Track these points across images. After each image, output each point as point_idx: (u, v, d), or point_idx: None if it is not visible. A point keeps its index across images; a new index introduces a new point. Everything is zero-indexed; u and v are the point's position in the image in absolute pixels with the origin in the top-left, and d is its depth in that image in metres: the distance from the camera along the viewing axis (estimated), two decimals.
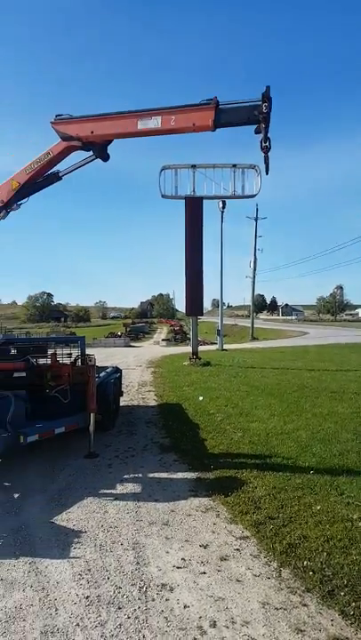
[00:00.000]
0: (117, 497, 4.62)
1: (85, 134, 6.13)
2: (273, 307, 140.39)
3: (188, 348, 21.23)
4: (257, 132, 5.75)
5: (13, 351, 6.20)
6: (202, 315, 19.19)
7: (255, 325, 43.48)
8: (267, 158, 5.76)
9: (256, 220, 38.98)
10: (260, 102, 5.56)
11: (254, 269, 39.68)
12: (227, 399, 9.84)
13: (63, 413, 5.85)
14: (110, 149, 6.69)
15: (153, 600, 2.94)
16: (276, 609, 2.85)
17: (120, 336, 47.60)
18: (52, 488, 4.84)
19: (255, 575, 3.23)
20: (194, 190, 18.05)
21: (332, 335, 39.82)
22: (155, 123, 5.94)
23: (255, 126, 5.72)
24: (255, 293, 45.48)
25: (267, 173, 6.07)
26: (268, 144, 5.65)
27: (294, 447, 6.15)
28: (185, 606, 2.87)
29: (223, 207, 24.33)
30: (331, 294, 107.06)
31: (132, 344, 41.33)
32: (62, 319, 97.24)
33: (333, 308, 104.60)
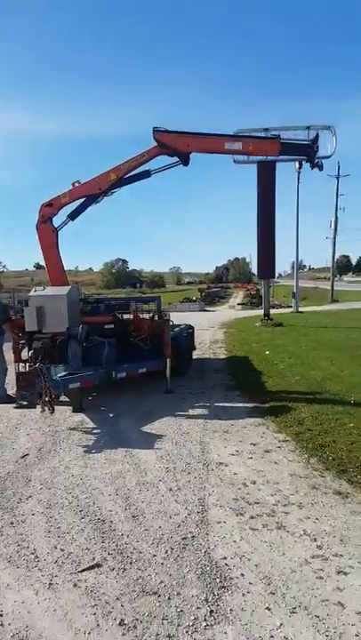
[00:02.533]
0: (189, 416, 5.89)
1: (182, 147, 7.81)
2: (359, 268, 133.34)
3: (262, 312, 21.97)
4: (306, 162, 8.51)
5: (103, 308, 7.62)
6: (273, 277, 19.78)
7: (337, 288, 42.61)
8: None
9: (338, 177, 37.72)
10: (311, 143, 8.35)
11: (335, 229, 38.68)
12: (291, 353, 10.72)
13: (144, 358, 7.18)
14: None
15: (212, 470, 4.16)
16: (300, 477, 3.95)
17: (195, 301, 48.71)
18: (138, 411, 6.21)
19: (289, 460, 4.34)
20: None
21: None
22: (238, 146, 8.07)
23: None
24: (340, 254, 44.28)
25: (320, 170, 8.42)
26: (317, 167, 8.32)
27: (344, 387, 7.00)
28: (234, 473, 4.07)
29: (300, 167, 24.14)
30: None
31: (207, 308, 42.35)
32: (137, 285, 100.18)
33: None
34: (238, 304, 48.89)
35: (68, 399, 6.43)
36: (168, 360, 7.20)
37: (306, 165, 8.80)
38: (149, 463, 4.39)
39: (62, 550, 2.97)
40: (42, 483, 4.01)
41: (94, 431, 5.46)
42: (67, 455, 4.67)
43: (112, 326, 7.03)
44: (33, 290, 6.78)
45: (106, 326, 7.01)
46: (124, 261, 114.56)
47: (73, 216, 7.72)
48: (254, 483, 3.88)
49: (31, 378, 5.30)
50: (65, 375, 5.94)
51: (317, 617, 2.31)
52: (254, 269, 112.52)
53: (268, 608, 2.39)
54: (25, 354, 7.13)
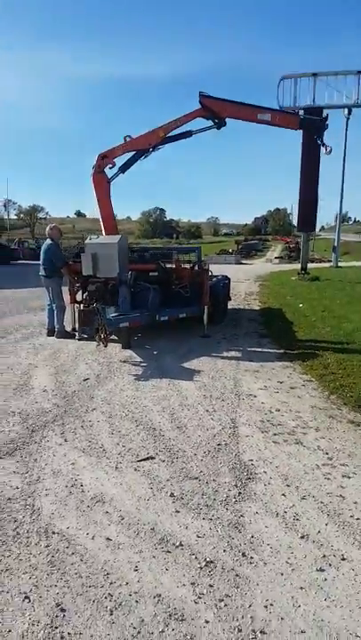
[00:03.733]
0: (224, 357, 6.59)
1: (222, 112, 9.29)
2: None
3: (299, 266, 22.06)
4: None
5: (148, 257, 8.25)
6: (314, 230, 19.70)
7: None
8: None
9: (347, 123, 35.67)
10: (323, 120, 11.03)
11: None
12: (325, 306, 11.13)
13: (185, 305, 7.84)
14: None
15: (243, 399, 4.88)
16: (320, 409, 4.61)
17: (231, 253, 48.38)
18: (179, 351, 6.94)
19: (311, 396, 4.99)
20: (314, 100, 17.84)
21: None
22: (267, 117, 9.79)
23: None
24: None
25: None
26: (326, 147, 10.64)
27: None
28: (262, 402, 4.77)
29: (349, 114, 23.20)
30: None
31: (244, 261, 42.19)
32: (174, 235, 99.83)
33: None
34: (276, 257, 48.43)
35: (117, 337, 7.25)
36: (206, 307, 7.84)
37: (355, 111, 12.74)
38: (189, 391, 5.14)
39: (124, 447, 3.78)
40: (102, 400, 4.84)
41: (142, 364, 6.25)
42: (120, 381, 5.48)
43: (156, 274, 7.67)
44: (88, 238, 7.44)
45: (151, 274, 7.66)
46: (162, 210, 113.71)
47: (124, 169, 8.24)
48: (278, 410, 4.57)
49: (90, 316, 6.09)
50: (116, 315, 6.70)
51: (322, 502, 3.02)
52: (295, 221, 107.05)
53: (283, 494, 3.11)
54: (79, 296, 7.95)
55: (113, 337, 7.13)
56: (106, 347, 6.34)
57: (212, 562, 2.45)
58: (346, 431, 4.11)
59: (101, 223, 8.00)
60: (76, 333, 7.10)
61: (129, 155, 8.45)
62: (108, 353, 6.73)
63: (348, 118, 23.84)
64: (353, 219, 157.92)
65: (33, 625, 2.04)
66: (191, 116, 9.11)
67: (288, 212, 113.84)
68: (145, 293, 7.34)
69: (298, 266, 25.91)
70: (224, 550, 2.54)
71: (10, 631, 2.01)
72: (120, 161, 8.26)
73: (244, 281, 18.80)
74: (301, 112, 15.87)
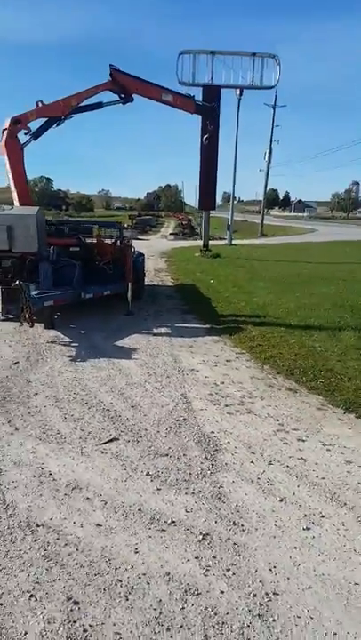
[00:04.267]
0: (155, 334, 6.61)
1: (132, 89, 9.86)
2: (286, 203, 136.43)
3: (197, 243, 22.70)
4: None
5: (67, 231, 7.84)
6: (214, 209, 20.21)
7: (265, 222, 44.00)
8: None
9: (274, 107, 37.56)
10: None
11: (268, 162, 39.20)
12: (233, 282, 11.63)
13: (108, 282, 7.64)
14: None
15: (186, 374, 4.98)
16: (258, 379, 4.89)
17: (126, 228, 47.86)
18: (107, 329, 6.79)
19: (247, 367, 5.27)
20: (212, 78, 18.03)
21: (340, 233, 40.62)
22: (170, 98, 11.26)
23: None
24: (268, 188, 45.33)
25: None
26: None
27: (283, 312, 8.03)
28: (205, 376, 4.92)
29: (240, 95, 23.85)
30: (346, 190, 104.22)
31: (140, 237, 42.06)
32: (64, 207, 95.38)
33: (347, 205, 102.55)
34: (171, 234, 48.86)
35: (36, 317, 6.83)
36: (130, 284, 7.73)
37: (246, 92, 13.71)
38: (132, 370, 5.09)
39: (82, 430, 3.65)
40: (42, 383, 4.59)
41: (72, 344, 6.01)
42: (55, 363, 5.22)
43: (77, 249, 7.35)
44: (1, 208, 6.81)
45: (71, 249, 7.32)
46: (49, 180, 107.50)
47: (36, 135, 7.64)
48: (223, 383, 4.76)
49: (14, 294, 5.65)
50: (39, 293, 6.30)
51: (288, 466, 3.25)
52: (187, 199, 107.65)
53: (251, 462, 3.28)
54: None
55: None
56: (32, 326, 5.96)
57: (208, 534, 2.52)
58: (287, 397, 4.44)
59: (14, 193, 7.35)
60: None
61: (40, 121, 7.86)
62: (30, 333, 6.35)
63: (239, 99, 24.58)
64: (238, 198, 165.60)
65: (49, 623, 1.94)
66: (101, 88, 9.23)
67: (179, 188, 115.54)
68: (68, 270, 7.01)
69: (194, 243, 26.54)
70: (215, 522, 2.63)
71: (26, 633, 1.89)
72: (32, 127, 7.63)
73: (149, 257, 18.75)
74: (198, 97, 16.35)
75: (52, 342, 6.07)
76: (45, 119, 7.80)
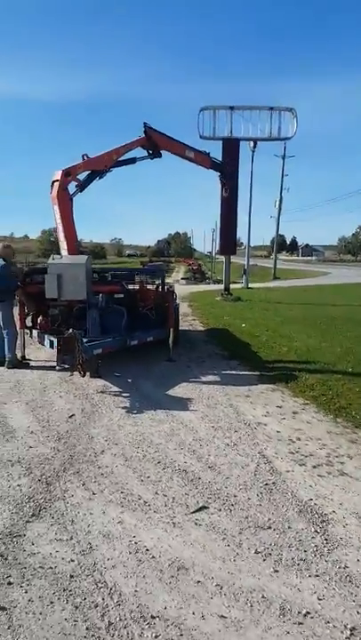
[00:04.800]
0: (205, 383, 6.29)
1: (162, 145, 10.37)
2: (293, 247, 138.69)
3: (209, 287, 22.65)
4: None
5: (110, 278, 7.71)
6: (235, 254, 20.32)
7: (279, 266, 44.37)
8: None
9: (283, 158, 38.80)
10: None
11: (279, 209, 40.04)
12: (265, 326, 11.38)
13: (150, 328, 7.42)
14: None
15: (255, 429, 4.63)
16: (336, 434, 4.53)
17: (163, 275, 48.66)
18: (152, 377, 6.49)
19: (318, 420, 4.91)
20: (231, 132, 18.63)
21: (354, 275, 40.64)
22: (192, 155, 11.85)
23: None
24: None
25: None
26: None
27: (332, 357, 7.71)
28: (277, 431, 4.56)
29: (254, 147, 24.58)
30: (353, 234, 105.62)
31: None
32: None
33: (355, 248, 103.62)
34: (182, 278, 49.52)
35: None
36: (171, 330, 7.50)
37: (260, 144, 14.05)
38: (194, 423, 4.76)
39: (165, 496, 3.29)
40: (105, 439, 4.26)
41: (123, 394, 5.70)
42: (112, 415, 4.91)
43: (121, 296, 7.18)
44: (51, 258, 6.72)
45: (116, 296, 7.16)
46: None
47: (82, 187, 7.72)
48: (299, 439, 4.39)
49: (70, 343, 5.42)
50: (88, 341, 6.08)
51: None
52: (196, 245, 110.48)
53: None
54: (29, 321, 7.19)
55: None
56: (83, 376, 5.71)
57: (355, 628, 2.13)
58: None
59: (63, 243, 7.32)
60: (56, 364, 6.09)
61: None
62: (77, 383, 6.08)
63: (253, 151, 25.30)
64: (243, 244, 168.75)
65: None
66: (136, 144, 9.77)
67: (188, 235, 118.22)
68: (114, 317, 6.82)
69: (207, 287, 26.53)
70: (358, 612, 2.24)
71: None
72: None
73: None
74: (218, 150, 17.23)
75: (101, 392, 5.77)
76: (89, 172, 7.94)
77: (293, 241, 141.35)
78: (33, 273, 7.91)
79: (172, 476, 3.60)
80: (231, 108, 19.00)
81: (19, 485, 3.36)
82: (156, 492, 3.33)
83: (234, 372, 6.93)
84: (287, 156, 39.59)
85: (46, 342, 6.91)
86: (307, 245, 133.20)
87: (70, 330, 5.70)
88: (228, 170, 18.89)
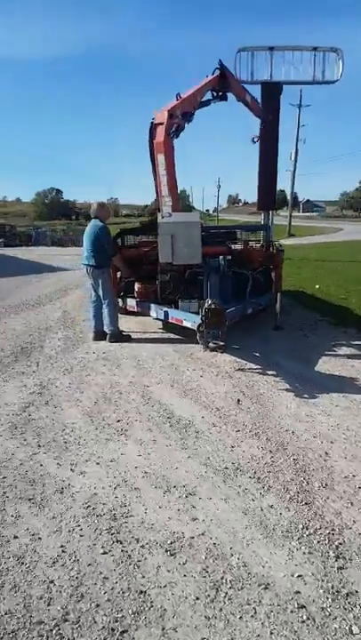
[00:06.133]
0: (343, 355, 5.56)
1: (234, 87, 8.15)
2: (294, 203, 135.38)
3: None
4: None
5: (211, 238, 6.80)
6: (274, 209, 19.21)
7: (280, 222, 43.02)
8: None
9: (300, 107, 36.72)
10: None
11: (295, 161, 38.18)
12: (338, 285, 10.61)
13: (259, 293, 6.58)
14: None
15: None
16: None
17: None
18: (281, 350, 5.72)
19: None
20: (271, 75, 17.12)
21: None
22: (248, 99, 8.44)
23: None
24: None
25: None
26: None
27: None
28: None
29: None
30: (356, 189, 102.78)
31: None
32: (73, 217, 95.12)
33: (357, 203, 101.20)
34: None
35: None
36: (278, 295, 6.67)
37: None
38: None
39: None
40: (314, 436, 3.55)
41: (269, 373, 4.94)
42: (283, 401, 4.22)
43: (229, 258, 6.32)
44: (160, 216, 5.78)
45: (223, 257, 6.29)
46: (58, 191, 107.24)
47: (177, 133, 6.62)
48: None
49: (221, 315, 4.62)
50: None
51: None
52: (195, 203, 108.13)
53: None
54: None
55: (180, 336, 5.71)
56: (223, 352, 4.98)
57: None
58: None
59: (168, 198, 6.22)
60: (202, 342, 5.36)
61: None
62: (203, 359, 5.35)
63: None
64: (242, 200, 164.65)
65: None
66: (210, 84, 8.16)
67: (187, 193, 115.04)
68: (233, 282, 6.00)
69: None
70: None
71: None
72: None
73: None
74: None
75: (241, 370, 5.03)
76: (181, 115, 6.80)
77: (295, 197, 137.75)
78: (125, 234, 7.03)
79: None
80: (271, 48, 17.33)
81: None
82: None
83: None
84: (303, 105, 37.44)
85: (154, 313, 6.13)
86: (308, 201, 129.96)
87: (208, 299, 4.89)
88: (268, 117, 17.53)
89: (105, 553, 2.36)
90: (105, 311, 6.08)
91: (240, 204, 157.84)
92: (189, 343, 5.88)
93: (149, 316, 6.40)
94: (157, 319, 6.25)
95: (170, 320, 5.85)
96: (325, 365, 5.21)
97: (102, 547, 2.40)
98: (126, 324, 6.71)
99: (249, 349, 5.73)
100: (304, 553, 2.34)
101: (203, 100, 7.91)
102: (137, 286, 6.46)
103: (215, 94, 8.67)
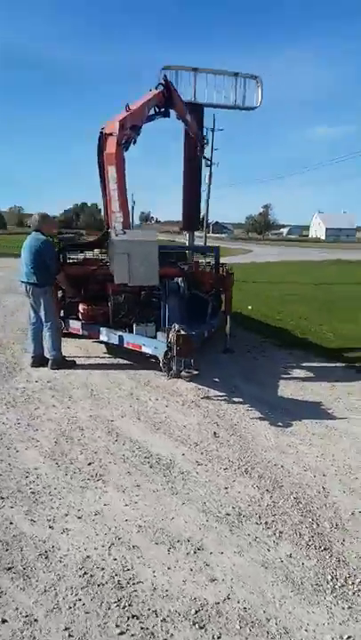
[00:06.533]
0: (297, 378, 5.59)
1: (176, 104, 7.69)
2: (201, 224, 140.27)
3: None
4: None
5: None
6: (198, 229, 19.45)
7: (196, 243, 44.19)
8: None
9: (213, 130, 38.03)
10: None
11: (209, 184, 39.33)
12: (268, 307, 10.89)
13: (210, 316, 6.42)
14: None
15: None
16: None
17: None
18: (236, 374, 5.62)
19: None
20: (194, 96, 17.49)
21: (277, 253, 41.95)
22: (188, 118, 8.29)
23: None
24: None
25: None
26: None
27: None
28: None
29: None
30: (260, 213, 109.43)
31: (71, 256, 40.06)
32: None
33: (262, 226, 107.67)
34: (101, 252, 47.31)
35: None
36: (228, 317, 6.61)
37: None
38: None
39: None
40: (305, 469, 3.40)
41: (235, 400, 4.78)
42: (261, 431, 4.04)
43: (180, 280, 6.12)
44: (113, 233, 5.37)
45: (176, 279, 6.08)
46: None
47: (127, 145, 6.29)
48: None
49: (191, 342, 4.35)
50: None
51: None
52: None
53: None
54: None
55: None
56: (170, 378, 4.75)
57: None
58: None
59: (118, 214, 5.79)
60: (168, 369, 4.86)
61: None
62: (162, 387, 5.07)
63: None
64: (154, 218, 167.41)
65: None
66: (155, 99, 7.68)
67: (98, 207, 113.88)
68: (190, 306, 5.80)
69: None
70: None
71: None
72: None
73: None
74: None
75: (207, 398, 4.81)
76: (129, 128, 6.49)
77: (204, 218, 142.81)
78: (67, 249, 6.53)
79: None
80: (195, 69, 17.82)
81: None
82: None
83: (314, 364, 6.24)
84: (217, 129, 38.92)
85: (105, 337, 5.69)
86: (217, 223, 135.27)
87: (174, 325, 4.62)
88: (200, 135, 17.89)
89: (122, 633, 1.97)
90: (47, 334, 5.52)
91: (152, 222, 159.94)
92: (142, 369, 5.57)
93: (97, 339, 5.96)
94: (109, 344, 5.82)
95: (125, 345, 5.45)
96: (287, 390, 5.17)
97: (117, 625, 2.01)
98: (66, 348, 6.13)
99: (206, 374, 5.51)
100: (343, 608, 2.14)
101: (149, 114, 7.63)
102: (82, 307, 5.98)
103: (158, 110, 8.27)
